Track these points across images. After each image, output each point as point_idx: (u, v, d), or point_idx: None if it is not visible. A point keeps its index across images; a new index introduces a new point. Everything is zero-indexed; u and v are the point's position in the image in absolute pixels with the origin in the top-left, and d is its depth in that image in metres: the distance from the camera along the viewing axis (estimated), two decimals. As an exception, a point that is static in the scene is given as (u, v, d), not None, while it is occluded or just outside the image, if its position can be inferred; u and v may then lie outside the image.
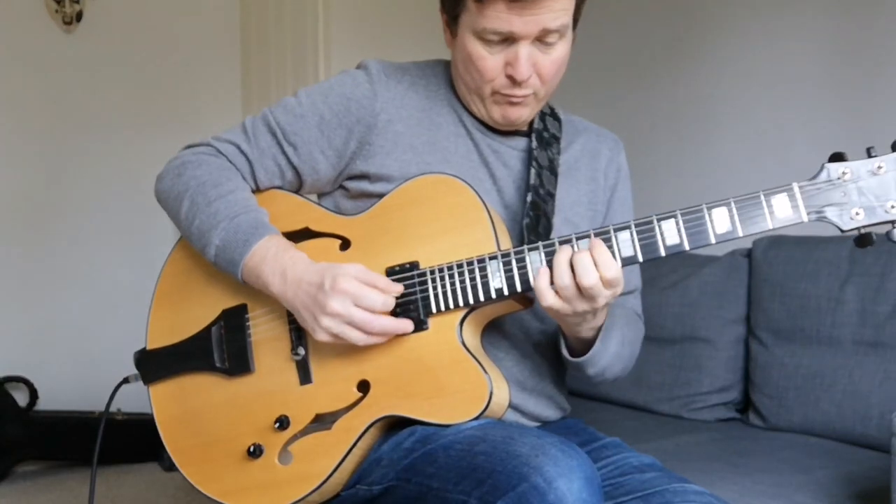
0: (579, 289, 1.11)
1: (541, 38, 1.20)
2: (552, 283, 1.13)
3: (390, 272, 1.22)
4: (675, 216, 1.12)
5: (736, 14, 2.63)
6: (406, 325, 1.19)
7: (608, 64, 3.04)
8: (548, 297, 1.13)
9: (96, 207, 3.45)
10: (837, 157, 1.08)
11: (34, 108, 3.36)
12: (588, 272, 1.10)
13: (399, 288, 1.20)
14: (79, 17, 3.41)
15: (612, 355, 1.29)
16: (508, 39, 1.20)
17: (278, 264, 1.21)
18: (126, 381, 1.43)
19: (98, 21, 3.45)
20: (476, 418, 1.16)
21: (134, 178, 3.41)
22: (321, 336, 1.18)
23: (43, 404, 3.28)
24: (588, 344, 1.26)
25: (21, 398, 3.22)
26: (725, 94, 2.66)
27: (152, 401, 1.36)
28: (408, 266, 1.22)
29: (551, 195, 1.30)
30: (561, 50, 1.24)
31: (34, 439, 3.10)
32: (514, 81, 1.23)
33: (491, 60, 1.23)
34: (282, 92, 3.37)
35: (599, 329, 1.23)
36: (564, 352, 1.29)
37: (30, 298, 3.35)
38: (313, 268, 1.20)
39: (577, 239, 1.14)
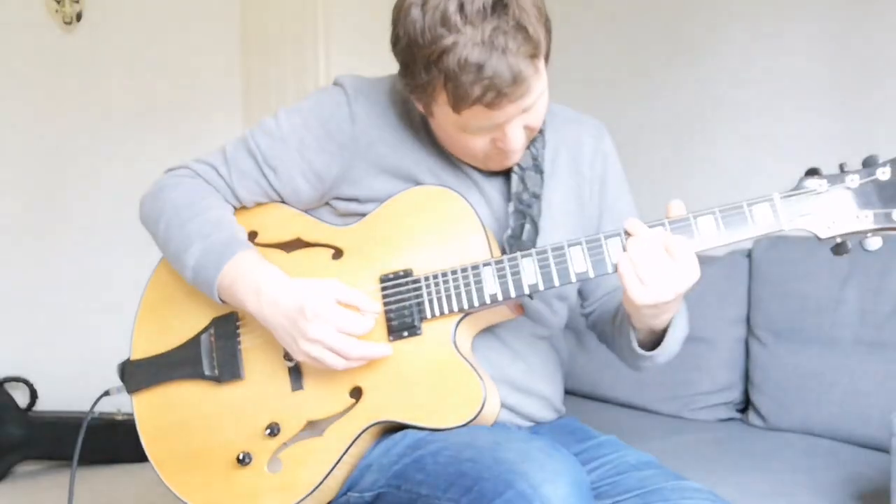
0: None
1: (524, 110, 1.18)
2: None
3: (384, 279, 1.22)
4: (663, 224, 1.14)
5: (734, 17, 2.62)
6: (385, 350, 1.19)
7: (607, 67, 3.03)
8: (638, 293, 1.11)
9: (96, 207, 3.44)
10: (813, 172, 1.14)
11: (34, 108, 3.35)
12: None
13: (377, 308, 1.19)
14: (79, 17, 3.41)
15: (679, 341, 1.28)
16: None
17: (251, 281, 1.20)
18: (107, 393, 1.41)
19: (98, 21, 3.44)
20: (468, 423, 1.16)
21: (134, 179, 3.38)
22: (300, 358, 1.19)
23: (43, 404, 3.27)
24: (657, 333, 1.24)
25: (21, 398, 3.22)
26: (724, 98, 2.65)
27: (135, 412, 1.33)
28: (402, 273, 1.21)
29: (537, 196, 1.29)
30: (543, 103, 1.21)
31: (34, 439, 3.10)
32: (505, 152, 1.22)
33: (478, 141, 1.21)
34: (282, 94, 3.37)
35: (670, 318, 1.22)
36: (637, 347, 1.26)
37: (30, 298, 3.35)
38: (289, 287, 1.19)
39: (570, 246, 1.15)
